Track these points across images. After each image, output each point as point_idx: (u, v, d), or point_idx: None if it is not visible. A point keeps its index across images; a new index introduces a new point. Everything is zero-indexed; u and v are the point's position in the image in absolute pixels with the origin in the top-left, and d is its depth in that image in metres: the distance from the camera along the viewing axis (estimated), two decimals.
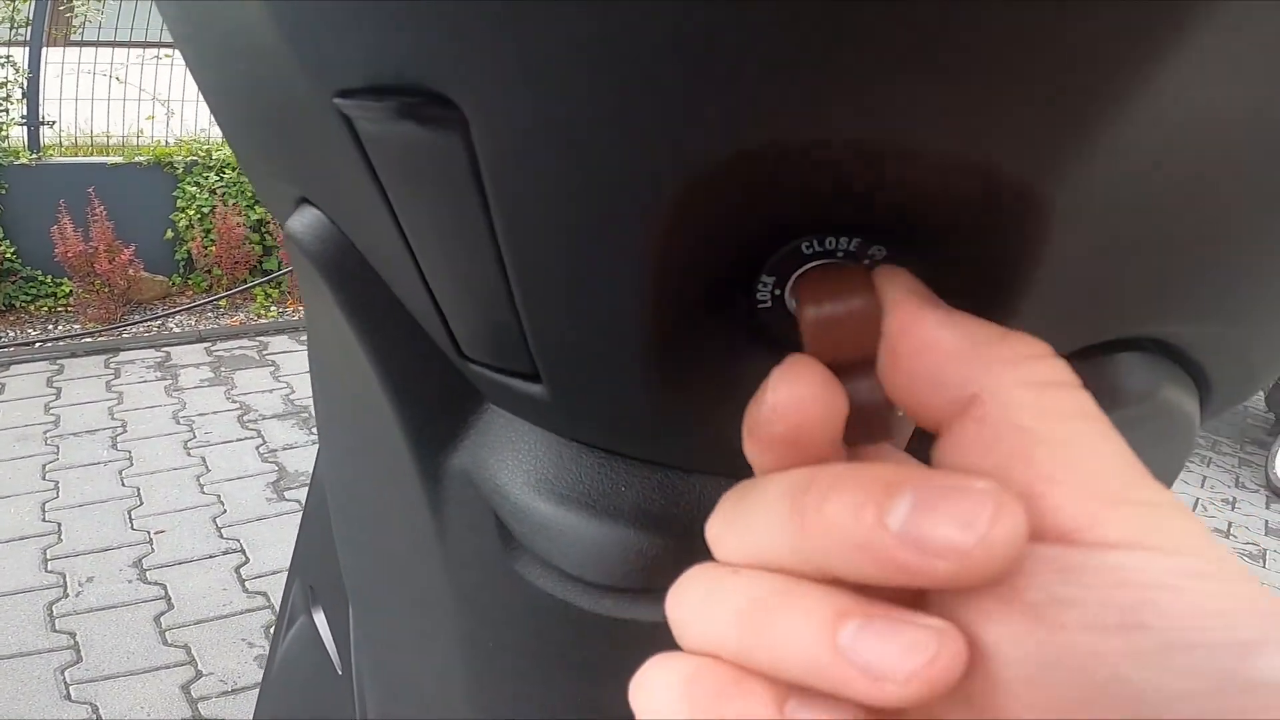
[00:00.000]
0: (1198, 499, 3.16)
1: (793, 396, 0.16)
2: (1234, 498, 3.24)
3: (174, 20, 0.33)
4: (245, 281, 3.63)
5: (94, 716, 1.45)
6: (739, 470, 0.21)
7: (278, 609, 1.75)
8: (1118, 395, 0.27)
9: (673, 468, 0.28)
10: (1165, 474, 0.37)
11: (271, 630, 1.71)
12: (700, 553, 0.22)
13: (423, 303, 0.30)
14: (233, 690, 1.56)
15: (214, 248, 3.56)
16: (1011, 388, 0.15)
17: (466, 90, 0.18)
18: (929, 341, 0.16)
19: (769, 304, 0.21)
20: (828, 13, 0.14)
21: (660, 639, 0.18)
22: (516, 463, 0.31)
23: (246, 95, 0.32)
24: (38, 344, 3.02)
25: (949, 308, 0.17)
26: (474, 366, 0.30)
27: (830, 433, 0.16)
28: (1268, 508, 3.19)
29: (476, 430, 0.33)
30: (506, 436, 0.32)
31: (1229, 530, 2.93)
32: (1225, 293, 0.27)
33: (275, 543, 2.01)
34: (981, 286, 0.20)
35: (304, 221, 0.36)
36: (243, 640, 1.69)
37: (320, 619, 0.71)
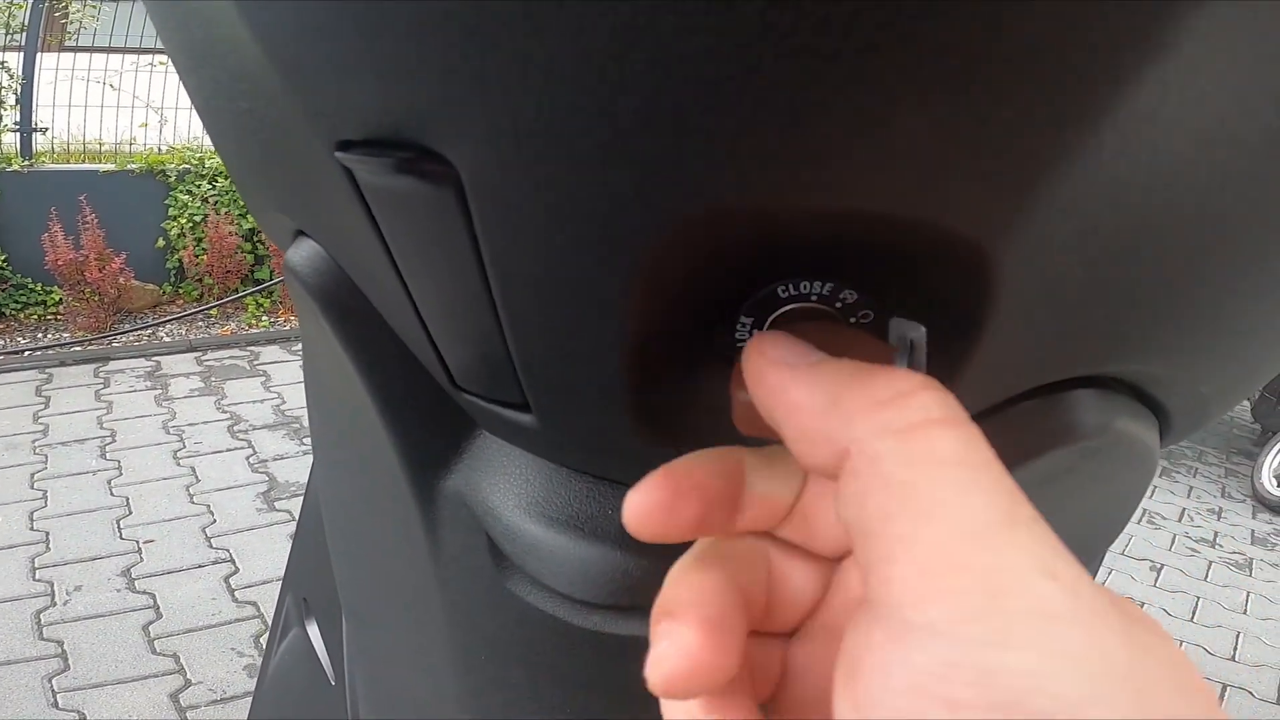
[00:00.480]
0: (1184, 509, 3.18)
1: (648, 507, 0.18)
2: (1220, 508, 3.27)
3: (177, 55, 0.35)
4: (237, 291, 3.63)
5: None
6: None
7: (269, 619, 1.75)
8: (1074, 429, 0.29)
9: None
10: (1126, 501, 0.39)
11: (261, 640, 1.71)
12: None
13: (417, 337, 0.31)
14: (222, 699, 1.55)
15: (205, 256, 3.56)
16: (874, 437, 0.15)
17: (460, 150, 0.19)
18: (793, 405, 0.16)
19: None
20: (778, 100, 0.15)
21: (644, 653, 0.20)
22: (508, 486, 0.33)
23: (248, 134, 0.33)
24: (26, 352, 3.01)
25: (817, 362, 0.17)
26: (466, 396, 0.31)
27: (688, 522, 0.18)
28: (1254, 517, 3.23)
29: (469, 455, 0.34)
30: (498, 461, 0.33)
31: (1215, 540, 2.95)
32: (1172, 334, 0.28)
33: (265, 553, 2.01)
34: (944, 330, 0.21)
35: (302, 254, 0.37)
36: (232, 650, 1.69)
37: (314, 631, 0.71)
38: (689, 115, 0.16)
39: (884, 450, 0.14)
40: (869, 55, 0.15)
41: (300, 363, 3.22)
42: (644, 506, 0.18)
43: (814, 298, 0.21)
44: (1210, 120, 0.18)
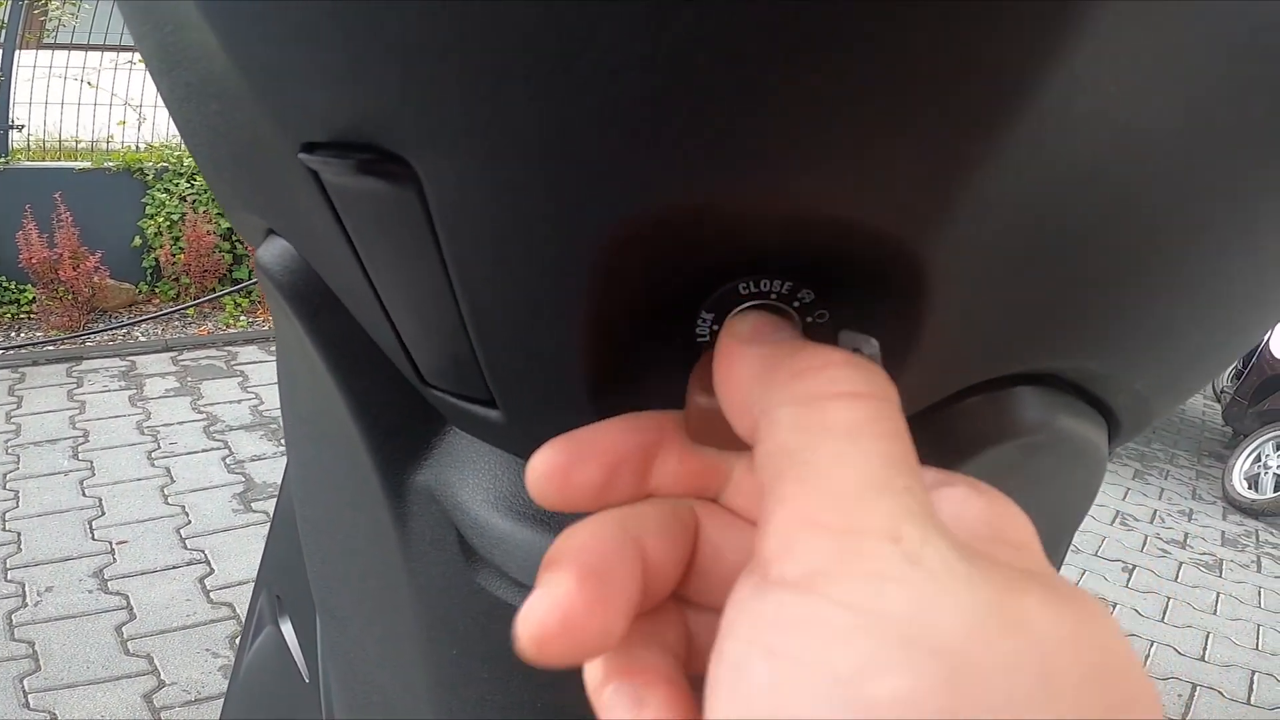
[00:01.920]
0: (1156, 510, 3.23)
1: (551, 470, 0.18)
2: (1191, 509, 3.32)
3: (150, 57, 0.35)
4: (214, 290, 3.60)
5: None
6: None
7: (243, 619, 1.74)
8: (1016, 425, 0.30)
9: None
10: (1074, 499, 0.40)
11: (236, 640, 1.70)
12: None
13: (386, 334, 0.32)
14: (196, 700, 1.54)
15: (183, 255, 3.53)
16: (780, 405, 0.15)
17: (419, 152, 0.20)
18: (731, 375, 0.17)
19: (708, 338, 0.23)
20: (708, 108, 0.16)
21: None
22: (476, 481, 0.34)
23: (219, 135, 0.34)
24: None
25: (772, 339, 0.17)
26: (435, 393, 0.32)
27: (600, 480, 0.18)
28: (1224, 519, 3.28)
29: (438, 451, 0.35)
30: (467, 457, 0.34)
31: (1185, 541, 3.00)
32: (1104, 331, 0.29)
33: (240, 554, 1.99)
34: (883, 328, 0.22)
35: (272, 252, 0.38)
36: (207, 650, 1.67)
37: (287, 628, 0.71)
38: (630, 121, 0.17)
39: (782, 417, 0.15)
40: (788, 68, 0.16)
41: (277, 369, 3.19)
42: (540, 469, 0.18)
43: (773, 295, 0.22)
44: (1122, 118, 0.19)
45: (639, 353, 0.25)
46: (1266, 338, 3.90)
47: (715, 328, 0.23)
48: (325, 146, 0.23)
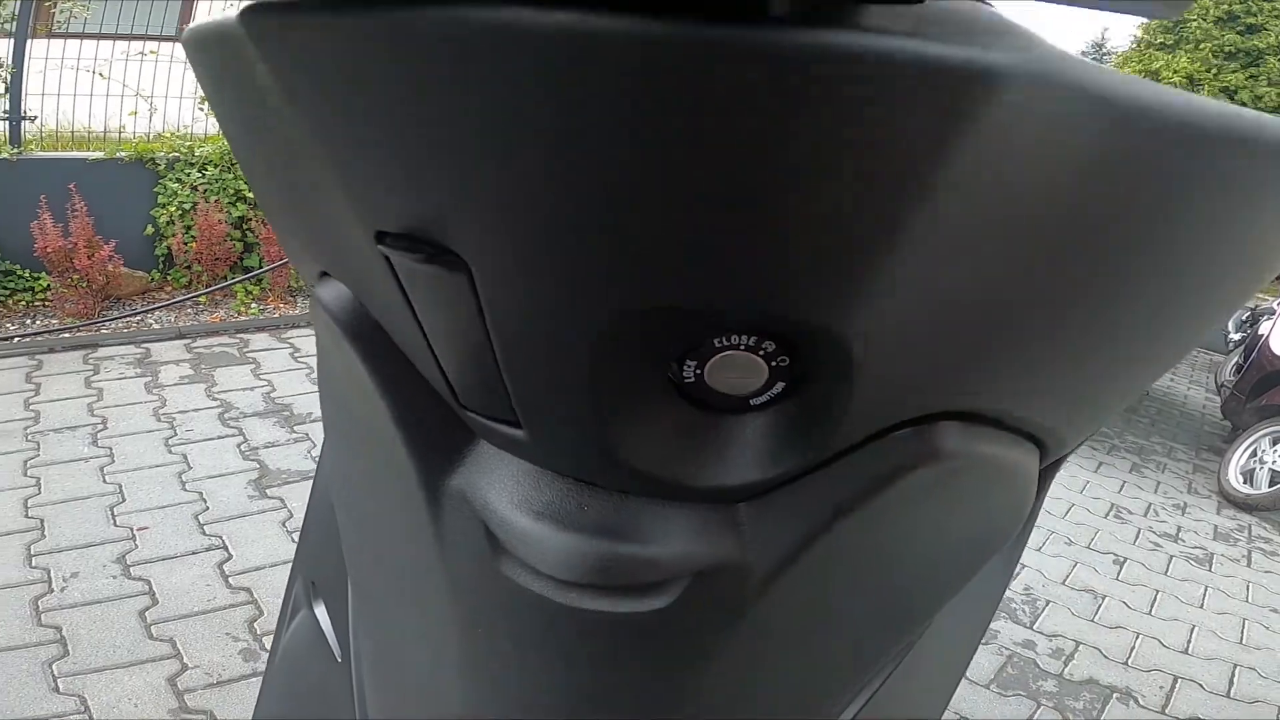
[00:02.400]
0: (1150, 504, 3.26)
1: None
2: (1185, 503, 3.35)
3: (229, 123, 0.43)
4: (225, 278, 3.65)
5: (83, 709, 1.49)
6: (672, 494, 0.32)
7: (262, 605, 1.81)
8: (936, 454, 0.37)
9: (621, 492, 0.37)
10: (1003, 518, 0.47)
11: (255, 625, 1.76)
12: (641, 559, 0.33)
13: (430, 367, 0.39)
14: (218, 683, 1.61)
15: (194, 244, 3.58)
16: None
17: (472, 251, 0.29)
18: None
19: (692, 380, 0.31)
20: (671, 236, 0.24)
21: (615, 624, 0.31)
22: (502, 486, 0.40)
23: (295, 206, 0.41)
24: (15, 339, 3.03)
25: None
26: (469, 414, 0.39)
27: None
28: (1218, 513, 3.31)
29: (470, 460, 0.41)
30: (494, 465, 0.41)
31: (1178, 534, 3.04)
32: (1013, 378, 0.37)
33: (257, 539, 2.06)
34: (831, 374, 0.30)
35: (330, 292, 0.45)
36: (227, 635, 1.74)
37: (321, 612, 0.78)
38: (612, 249, 0.26)
39: None
40: (727, 214, 0.24)
41: (289, 351, 3.25)
42: None
43: (742, 346, 0.29)
44: (989, 236, 0.27)
45: (637, 390, 0.32)
46: (1266, 333, 3.92)
47: (698, 371, 0.31)
48: (394, 236, 0.31)
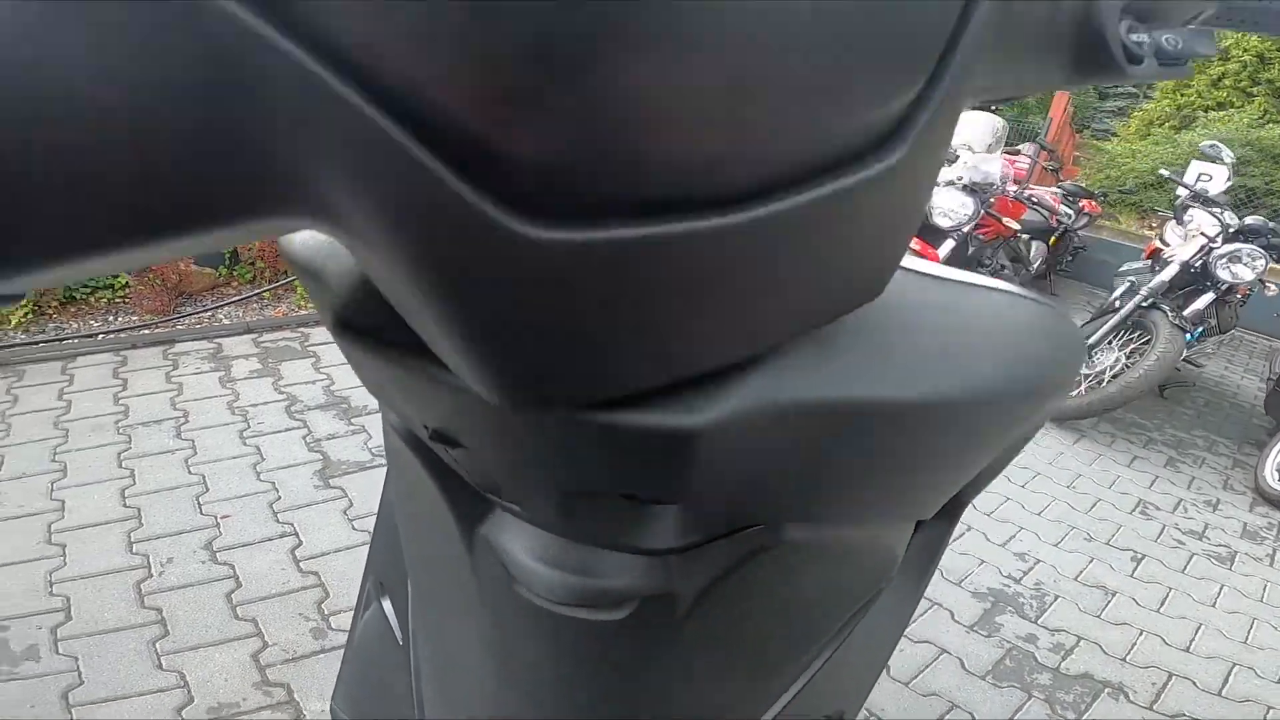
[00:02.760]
0: (1181, 500, 3.25)
1: None
2: (1218, 499, 3.33)
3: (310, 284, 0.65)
4: (286, 274, 3.89)
5: (183, 684, 1.71)
6: (622, 548, 0.54)
7: (329, 588, 2.03)
8: (786, 543, 0.61)
9: (591, 544, 0.58)
10: (874, 569, 0.71)
11: (323, 606, 1.98)
12: (604, 588, 0.56)
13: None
14: (293, 659, 1.83)
15: (257, 241, 3.81)
16: None
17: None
18: None
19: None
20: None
21: (590, 628, 0.52)
22: (513, 537, 0.61)
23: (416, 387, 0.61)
24: (100, 335, 3.31)
25: None
26: (489, 494, 0.60)
27: None
28: (1250, 510, 3.28)
29: (492, 518, 0.62)
30: (509, 523, 0.61)
31: (1204, 532, 3.03)
32: (828, 504, 0.59)
33: (323, 526, 2.27)
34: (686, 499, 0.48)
35: (394, 419, 0.67)
36: (299, 615, 1.96)
37: (387, 605, 1.01)
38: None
39: None
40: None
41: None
42: None
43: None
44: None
45: (592, 498, 0.53)
46: None
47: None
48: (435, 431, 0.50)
